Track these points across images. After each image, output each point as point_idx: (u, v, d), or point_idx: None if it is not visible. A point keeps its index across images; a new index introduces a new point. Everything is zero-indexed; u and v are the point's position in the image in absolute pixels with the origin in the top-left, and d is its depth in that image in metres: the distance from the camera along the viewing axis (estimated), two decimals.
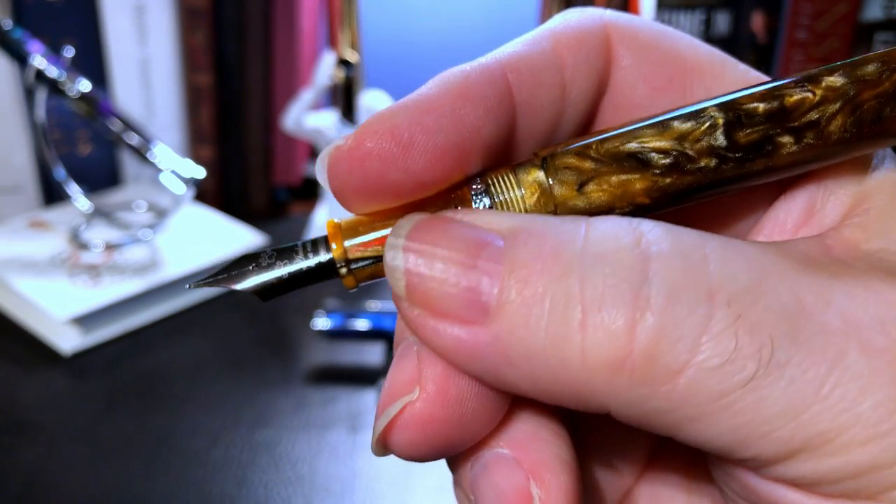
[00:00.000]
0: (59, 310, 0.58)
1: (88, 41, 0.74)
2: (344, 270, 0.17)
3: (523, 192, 0.17)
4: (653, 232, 0.15)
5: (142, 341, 0.61)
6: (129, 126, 0.66)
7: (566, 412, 0.18)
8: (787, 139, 0.16)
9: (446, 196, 0.17)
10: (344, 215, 0.18)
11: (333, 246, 0.17)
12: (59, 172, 0.68)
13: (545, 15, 0.75)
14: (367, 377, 0.57)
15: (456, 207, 0.17)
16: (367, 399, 0.55)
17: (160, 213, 0.71)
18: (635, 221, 0.15)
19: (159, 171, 0.66)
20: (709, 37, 0.75)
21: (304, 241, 0.18)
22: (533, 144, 0.19)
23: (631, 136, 0.17)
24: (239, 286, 0.18)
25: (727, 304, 0.14)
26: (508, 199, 0.17)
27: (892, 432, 0.14)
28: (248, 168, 0.81)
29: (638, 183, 0.17)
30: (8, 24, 0.63)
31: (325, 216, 0.76)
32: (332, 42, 0.72)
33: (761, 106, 0.16)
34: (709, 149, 0.17)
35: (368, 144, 0.16)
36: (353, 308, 0.58)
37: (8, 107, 0.71)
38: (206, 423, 0.52)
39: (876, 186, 0.17)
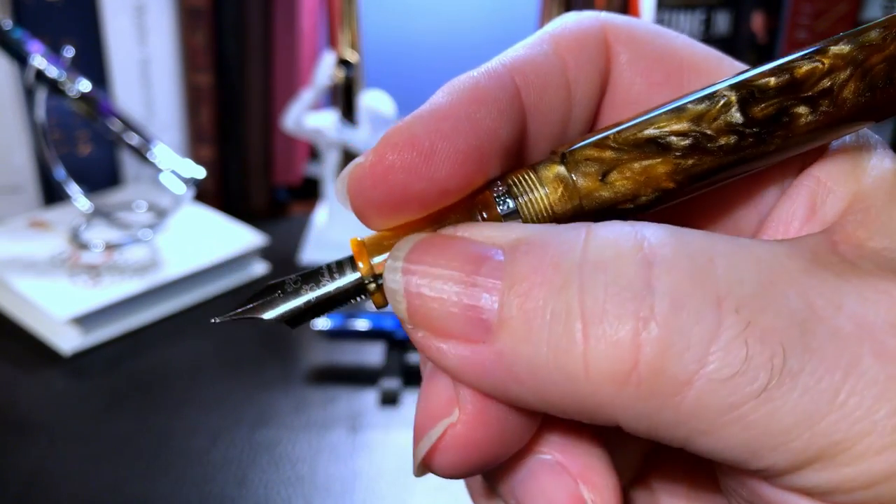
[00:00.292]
0: (59, 310, 0.58)
1: (88, 41, 0.74)
2: (373, 287, 0.17)
3: (546, 189, 0.17)
4: (655, 236, 0.15)
5: (142, 341, 0.61)
6: (129, 126, 0.66)
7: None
8: (802, 109, 0.16)
9: (469, 202, 0.17)
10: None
11: (360, 264, 0.17)
12: (59, 172, 0.68)
13: (545, 15, 0.75)
14: (367, 377, 0.57)
15: (481, 212, 0.17)
16: (367, 399, 0.55)
17: (160, 213, 0.71)
18: (638, 225, 0.15)
19: (159, 171, 0.66)
20: (709, 37, 0.74)
21: (329, 263, 0.18)
22: (544, 146, 0.19)
23: (647, 123, 0.17)
24: (267, 315, 0.17)
25: (736, 311, 0.14)
26: (532, 199, 0.17)
27: None
28: (248, 168, 0.81)
29: (660, 167, 0.17)
30: (8, 24, 0.63)
31: (325, 216, 0.76)
32: (332, 42, 0.72)
33: (772, 80, 0.16)
34: (726, 126, 0.16)
35: (391, 158, 0.16)
36: (353, 308, 0.58)
37: (8, 107, 0.71)
38: (206, 423, 0.52)
39: (874, 184, 0.17)
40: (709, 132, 0.16)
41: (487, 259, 0.15)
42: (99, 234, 0.68)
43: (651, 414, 0.14)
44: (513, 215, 0.17)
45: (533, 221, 0.17)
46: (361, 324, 0.57)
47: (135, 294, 0.61)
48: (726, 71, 0.19)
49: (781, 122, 0.16)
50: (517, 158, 0.18)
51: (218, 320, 0.18)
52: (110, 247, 0.66)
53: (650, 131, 0.17)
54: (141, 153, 0.66)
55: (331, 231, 0.75)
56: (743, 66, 0.19)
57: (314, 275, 0.17)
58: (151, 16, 0.76)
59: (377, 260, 0.17)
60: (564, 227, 0.16)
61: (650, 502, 0.21)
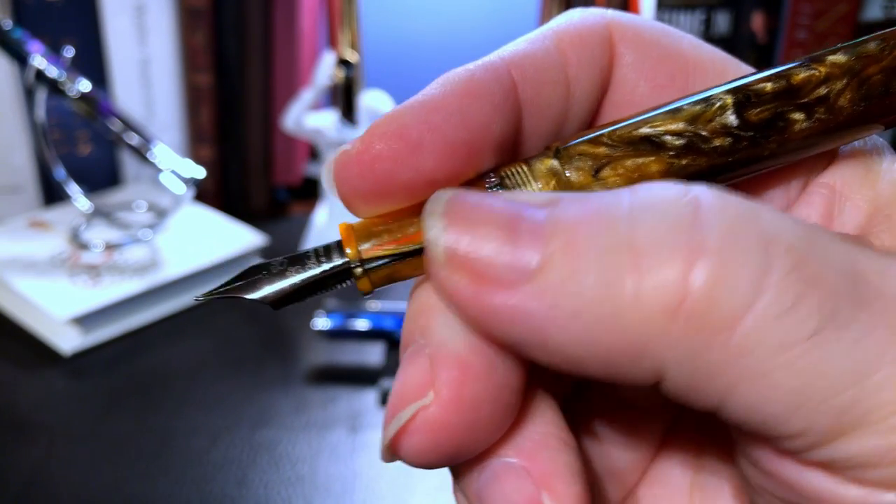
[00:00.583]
0: (59, 310, 0.58)
1: (88, 41, 0.74)
2: (359, 271, 0.17)
3: (539, 183, 0.17)
4: (699, 188, 0.14)
5: (142, 341, 0.61)
6: (129, 126, 0.66)
7: (570, 416, 0.18)
8: (798, 115, 0.16)
9: None
10: (348, 218, 0.18)
11: (348, 249, 0.17)
12: (59, 172, 0.68)
13: (545, 15, 0.75)
14: (367, 377, 0.57)
15: None
16: (367, 399, 0.55)
17: (160, 213, 0.71)
18: (680, 182, 0.15)
19: (159, 171, 0.66)
20: (709, 37, 0.75)
21: (316, 247, 0.17)
22: (540, 142, 0.18)
23: (643, 122, 0.17)
24: (250, 296, 0.17)
25: (785, 253, 0.13)
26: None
27: None
28: (248, 168, 0.81)
29: (653, 165, 0.17)
30: (8, 24, 0.63)
31: (325, 216, 0.76)
32: (332, 42, 0.72)
33: (769, 85, 0.16)
34: (721, 128, 0.16)
35: (378, 146, 0.16)
36: (353, 308, 0.58)
37: (8, 107, 0.71)
38: (206, 423, 0.52)
39: (891, 189, 0.17)
40: (703, 133, 0.17)
41: (530, 211, 0.15)
42: (99, 234, 0.68)
43: (698, 353, 0.13)
44: None
45: None
46: (361, 324, 0.57)
47: (135, 294, 0.61)
48: (732, 74, 0.19)
49: (776, 126, 0.16)
50: (511, 153, 0.18)
51: (201, 298, 0.18)
52: (110, 247, 0.66)
53: (645, 130, 0.17)
54: (141, 153, 0.66)
55: (331, 231, 0.75)
56: (749, 69, 0.19)
57: (301, 258, 0.17)
58: (151, 16, 0.76)
59: (365, 246, 0.17)
60: (600, 192, 0.15)
61: (653, 498, 0.21)
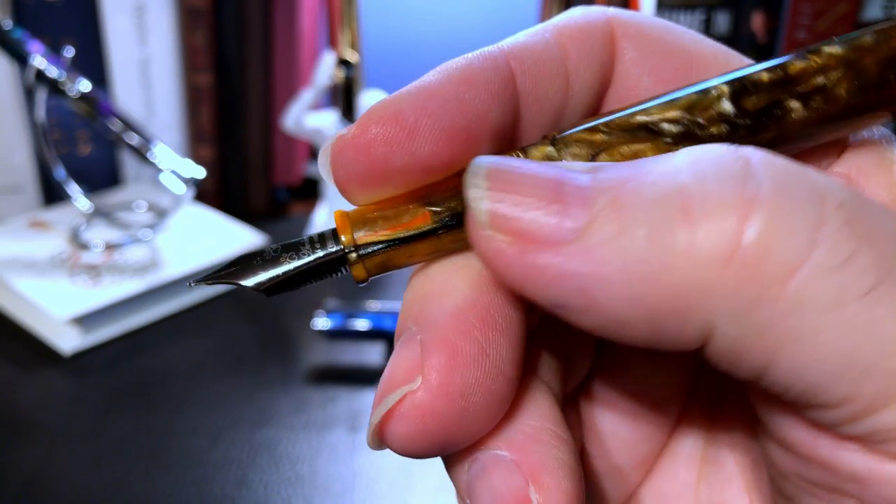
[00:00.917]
0: (59, 310, 0.58)
1: (88, 41, 0.74)
2: (353, 257, 0.17)
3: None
4: (746, 147, 0.14)
5: (142, 341, 0.61)
6: (129, 126, 0.66)
7: (569, 412, 0.18)
8: (795, 104, 0.16)
9: (456, 180, 0.17)
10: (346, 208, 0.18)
11: (342, 237, 0.17)
12: (59, 172, 0.68)
13: (545, 15, 0.75)
14: (367, 377, 0.57)
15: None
16: (367, 399, 0.55)
17: (160, 213, 0.71)
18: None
19: (159, 171, 0.66)
20: (709, 36, 0.74)
21: (311, 235, 0.17)
22: (538, 134, 0.18)
23: (641, 111, 0.17)
24: (244, 282, 0.17)
25: (838, 207, 0.13)
26: None
27: None
28: (248, 168, 0.81)
29: (650, 152, 0.17)
30: (8, 24, 0.63)
31: (325, 216, 0.76)
32: (332, 42, 0.72)
33: (766, 75, 0.17)
34: (718, 116, 0.17)
35: (373, 130, 0.16)
36: (353, 308, 0.58)
37: (8, 107, 0.71)
38: (206, 423, 0.52)
39: None
40: (700, 120, 0.17)
41: (574, 175, 0.15)
42: (99, 234, 0.68)
43: (749, 307, 0.13)
44: None
45: None
46: (361, 324, 0.57)
47: (135, 294, 0.61)
48: (734, 68, 0.19)
49: (773, 114, 0.16)
50: (509, 142, 0.18)
51: (194, 284, 0.18)
52: (110, 247, 0.66)
53: (642, 117, 0.17)
54: (141, 153, 0.66)
55: None
56: (752, 64, 0.19)
57: (295, 245, 0.17)
58: (151, 16, 0.76)
59: (360, 233, 0.17)
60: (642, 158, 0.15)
61: (657, 498, 0.21)
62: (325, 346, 0.60)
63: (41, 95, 0.64)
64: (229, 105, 0.79)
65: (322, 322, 0.57)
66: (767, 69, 0.17)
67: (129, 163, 0.79)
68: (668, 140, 0.17)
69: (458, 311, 0.16)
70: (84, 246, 0.66)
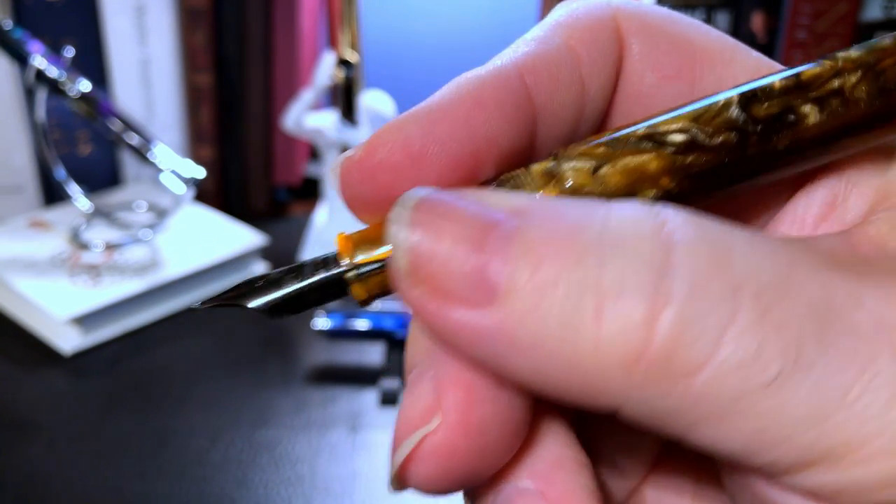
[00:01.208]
0: (59, 310, 0.58)
1: (88, 41, 0.74)
2: (352, 275, 0.17)
3: (536, 184, 0.17)
4: (676, 219, 0.14)
5: (142, 341, 0.61)
6: (129, 126, 0.66)
7: (576, 418, 0.18)
8: (809, 108, 0.16)
9: None
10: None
11: (343, 260, 0.17)
12: (59, 172, 0.68)
13: (545, 15, 0.75)
14: (368, 377, 0.57)
15: None
16: (367, 399, 0.55)
17: (160, 213, 0.71)
18: (657, 208, 0.14)
19: (159, 171, 0.66)
20: None
21: (315, 258, 0.17)
22: (554, 143, 0.18)
23: (646, 125, 0.17)
24: (247, 304, 0.17)
25: (753, 299, 0.13)
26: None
27: None
28: (248, 168, 0.81)
29: (653, 162, 0.16)
30: (8, 24, 0.63)
31: (325, 216, 0.76)
32: (332, 42, 0.72)
33: (777, 82, 0.16)
34: (725, 123, 0.16)
35: (379, 156, 0.16)
36: (353, 308, 0.58)
37: (8, 107, 0.71)
38: (206, 423, 0.52)
39: None
40: (707, 129, 0.16)
41: (499, 223, 0.14)
42: (99, 234, 0.68)
43: (656, 399, 0.13)
44: None
45: None
46: (361, 324, 0.57)
47: (135, 294, 0.61)
48: (741, 62, 0.18)
49: (786, 120, 0.16)
50: (524, 159, 0.18)
51: (199, 307, 0.18)
52: (110, 247, 0.66)
53: (646, 130, 0.16)
54: (141, 153, 0.66)
55: (331, 231, 0.74)
56: (759, 56, 0.19)
57: (298, 268, 0.17)
58: (151, 16, 0.76)
59: (360, 256, 0.17)
60: (578, 201, 0.15)
61: (656, 498, 0.21)
62: (325, 346, 0.60)
63: (41, 95, 0.64)
64: (229, 105, 0.79)
65: (322, 322, 0.57)
66: (780, 77, 0.16)
67: (129, 163, 0.79)
68: (673, 149, 0.16)
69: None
70: (84, 246, 0.66)
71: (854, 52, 0.16)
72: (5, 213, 0.73)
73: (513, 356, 0.14)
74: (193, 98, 0.79)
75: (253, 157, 0.81)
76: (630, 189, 0.16)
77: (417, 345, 0.16)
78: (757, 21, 0.74)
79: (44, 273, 0.63)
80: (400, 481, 0.16)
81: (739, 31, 0.74)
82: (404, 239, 0.14)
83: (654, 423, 0.14)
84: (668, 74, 0.18)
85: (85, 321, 0.59)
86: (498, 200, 0.15)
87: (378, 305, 0.58)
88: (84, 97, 0.64)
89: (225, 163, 0.81)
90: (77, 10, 0.72)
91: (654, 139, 0.16)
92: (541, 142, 0.18)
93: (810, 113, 0.16)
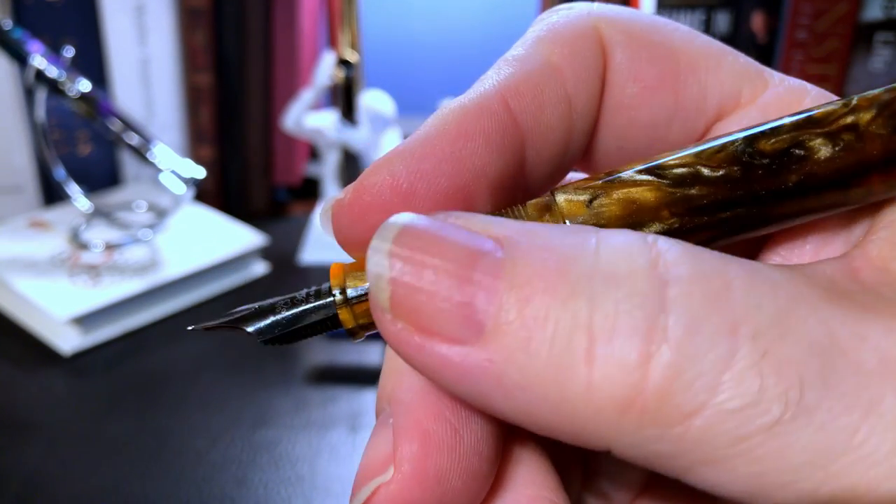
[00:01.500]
0: (59, 310, 0.58)
1: (88, 41, 0.74)
2: (339, 299, 0.16)
3: (530, 218, 0.16)
4: (671, 252, 0.13)
5: (142, 341, 0.61)
6: (128, 126, 0.66)
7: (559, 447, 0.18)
8: (820, 142, 0.15)
9: None
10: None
11: (336, 291, 0.16)
12: (59, 172, 0.68)
13: None
14: (367, 377, 0.57)
15: None
16: (367, 399, 0.55)
17: (160, 213, 0.71)
18: (650, 238, 0.14)
19: (159, 171, 0.66)
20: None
21: (308, 289, 0.17)
22: (546, 167, 0.18)
23: (646, 164, 0.16)
24: (246, 327, 0.17)
25: (752, 339, 0.13)
26: None
27: None
28: (248, 168, 0.81)
29: (650, 193, 0.15)
30: (8, 24, 0.63)
31: None
32: (332, 42, 0.72)
33: (787, 121, 0.15)
34: (728, 158, 0.15)
35: (367, 198, 0.16)
36: None
37: (8, 107, 0.71)
38: (206, 423, 0.52)
39: None
40: (710, 163, 0.15)
41: (485, 254, 0.14)
42: (99, 234, 0.68)
43: (650, 442, 0.13)
44: None
45: None
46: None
47: (135, 294, 0.61)
48: (728, 68, 0.18)
49: (794, 155, 0.15)
50: (514, 185, 0.17)
51: (194, 328, 0.18)
52: (110, 247, 0.66)
53: (645, 165, 0.16)
54: (141, 153, 0.66)
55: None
56: (748, 62, 0.18)
57: (293, 297, 0.17)
58: (151, 16, 0.76)
59: (352, 288, 0.16)
60: (569, 229, 0.14)
61: None
62: (325, 346, 0.60)
63: (41, 95, 0.64)
64: (229, 105, 0.79)
65: None
66: (790, 118, 0.15)
67: (129, 163, 0.79)
68: (670, 181, 0.15)
69: (427, 391, 0.15)
70: (84, 246, 0.66)
71: (869, 93, 0.15)
72: (5, 213, 0.73)
73: (499, 396, 0.13)
74: (193, 98, 0.79)
75: (253, 156, 0.81)
76: (628, 222, 0.16)
77: (383, 388, 0.16)
78: (757, 21, 0.74)
79: (43, 273, 0.63)
80: None
81: (739, 31, 0.74)
82: (384, 272, 0.14)
83: (648, 464, 0.14)
84: (650, 85, 0.18)
85: (85, 321, 0.59)
86: (485, 226, 0.14)
87: None
88: (84, 97, 0.64)
89: (225, 163, 0.81)
90: (77, 10, 0.72)
91: (654, 172, 0.16)
92: (531, 164, 0.17)
93: (821, 148, 0.15)
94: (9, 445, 0.50)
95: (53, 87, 0.64)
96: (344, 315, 0.16)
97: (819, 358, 0.13)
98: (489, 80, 0.17)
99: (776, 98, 0.18)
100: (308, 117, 0.72)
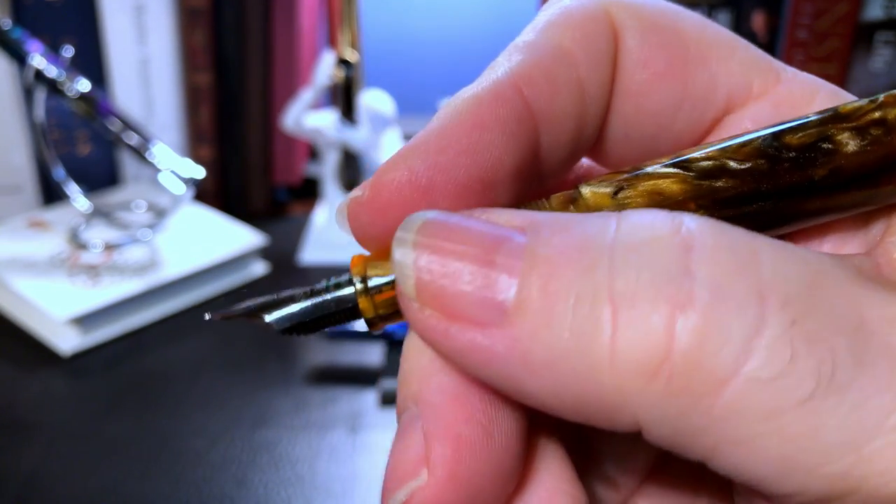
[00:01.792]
0: (59, 310, 0.58)
1: (88, 41, 0.74)
2: (360, 287, 0.16)
3: (554, 210, 0.16)
4: (694, 222, 0.13)
5: (142, 341, 0.61)
6: (128, 126, 0.66)
7: (570, 433, 0.17)
8: (847, 136, 0.15)
9: None
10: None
11: (356, 279, 0.16)
12: (59, 172, 0.67)
13: None
14: (367, 377, 0.57)
15: None
16: (367, 399, 0.55)
17: (160, 213, 0.71)
18: (673, 213, 0.13)
19: (159, 170, 0.66)
20: None
21: (329, 280, 0.17)
22: (560, 153, 0.18)
23: (672, 158, 0.16)
24: (266, 317, 0.17)
25: (781, 308, 0.12)
26: None
27: None
28: (248, 168, 0.81)
29: (675, 185, 0.15)
30: (7, 23, 0.63)
31: (325, 216, 0.76)
32: (332, 42, 0.72)
33: (813, 117, 0.15)
34: (754, 151, 0.15)
35: (385, 195, 0.16)
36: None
37: (7, 107, 0.71)
38: (206, 423, 0.52)
39: None
40: (734, 156, 0.15)
41: (507, 239, 0.14)
42: (98, 234, 0.68)
43: (679, 415, 0.12)
44: None
45: None
46: (362, 324, 0.57)
47: (135, 294, 0.61)
48: (739, 58, 0.18)
49: (821, 148, 0.15)
50: (531, 173, 0.17)
51: (211, 316, 0.18)
52: (110, 247, 0.66)
53: (672, 159, 0.16)
54: (140, 153, 0.66)
55: (331, 231, 0.74)
56: (758, 53, 0.18)
57: (314, 288, 0.17)
58: (151, 16, 0.76)
59: (371, 273, 0.16)
60: (592, 215, 0.14)
61: None
62: (325, 346, 0.60)
63: (40, 95, 0.64)
64: (229, 105, 0.79)
65: None
66: (816, 115, 0.15)
67: (128, 163, 0.79)
68: (696, 173, 0.15)
69: (458, 392, 0.15)
70: (83, 246, 0.66)
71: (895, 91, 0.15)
72: (4, 213, 0.73)
73: (527, 376, 0.13)
74: (193, 98, 0.79)
75: (253, 156, 0.81)
76: None
77: (409, 386, 0.16)
78: (758, 20, 0.74)
79: (43, 273, 0.63)
80: None
81: (740, 30, 0.74)
82: (409, 261, 0.14)
83: (677, 443, 0.13)
84: (658, 71, 0.18)
85: (84, 321, 0.59)
86: (507, 218, 0.14)
87: None
88: (83, 97, 0.64)
89: (224, 163, 0.81)
90: (76, 10, 0.72)
91: (680, 165, 0.15)
92: (545, 151, 0.17)
93: (849, 142, 0.15)
94: (9, 445, 0.50)
95: (53, 86, 0.64)
96: (364, 304, 0.16)
97: (849, 336, 0.12)
98: (501, 68, 0.17)
99: (788, 93, 0.18)
100: (308, 117, 0.72)
